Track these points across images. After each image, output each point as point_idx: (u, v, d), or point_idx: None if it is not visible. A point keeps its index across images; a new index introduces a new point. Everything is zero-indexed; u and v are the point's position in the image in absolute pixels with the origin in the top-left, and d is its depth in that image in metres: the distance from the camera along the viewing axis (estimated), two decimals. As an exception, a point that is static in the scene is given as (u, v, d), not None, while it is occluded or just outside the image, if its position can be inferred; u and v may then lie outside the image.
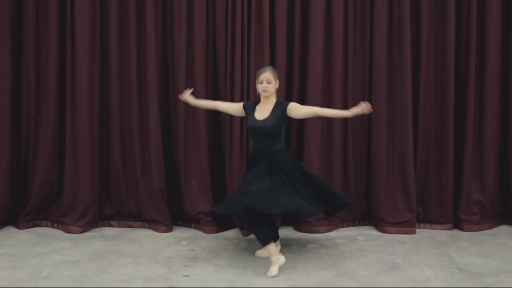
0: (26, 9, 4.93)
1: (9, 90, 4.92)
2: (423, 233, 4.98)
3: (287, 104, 4.13)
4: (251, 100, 4.84)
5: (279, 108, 4.13)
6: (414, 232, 4.96)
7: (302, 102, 4.97)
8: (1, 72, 4.88)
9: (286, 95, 5.01)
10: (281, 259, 3.95)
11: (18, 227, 5.00)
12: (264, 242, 3.94)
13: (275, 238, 4.18)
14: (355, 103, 5.03)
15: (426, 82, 5.05)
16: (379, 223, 5.05)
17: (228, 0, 4.88)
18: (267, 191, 3.92)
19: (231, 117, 4.90)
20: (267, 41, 4.88)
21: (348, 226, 5.16)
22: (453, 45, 4.95)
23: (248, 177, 4.12)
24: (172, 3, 4.97)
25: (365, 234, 4.95)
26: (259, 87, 4.15)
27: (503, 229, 5.12)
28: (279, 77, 4.28)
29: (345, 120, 5.06)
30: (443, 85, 5.01)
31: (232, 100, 4.88)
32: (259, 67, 4.75)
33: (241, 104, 4.34)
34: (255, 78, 4.24)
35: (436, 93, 5.07)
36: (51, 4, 4.90)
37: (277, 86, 4.20)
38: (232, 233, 4.93)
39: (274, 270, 3.89)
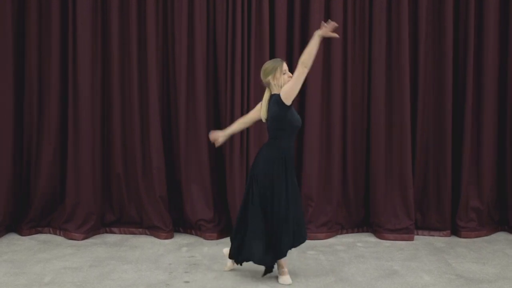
0: (28, 17, 4.98)
1: (12, 98, 4.95)
2: (421, 240, 5.01)
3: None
4: (252, 100, 4.88)
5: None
6: (412, 239, 4.99)
7: (302, 103, 5.06)
8: (4, 80, 4.91)
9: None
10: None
11: (21, 233, 5.02)
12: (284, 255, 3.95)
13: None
14: (353, 107, 5.10)
15: (424, 89, 5.10)
16: (378, 229, 5.07)
17: (228, 2, 4.93)
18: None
19: (231, 123, 4.93)
20: (267, 43, 4.92)
21: (347, 232, 5.19)
22: (450, 54, 5.00)
23: (295, 192, 3.91)
24: (173, 7, 5.00)
25: (364, 241, 4.98)
26: (285, 78, 3.81)
27: (500, 235, 5.15)
28: None
29: (344, 127, 5.10)
30: (441, 93, 5.06)
31: (232, 102, 4.93)
32: (259, 69, 4.81)
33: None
34: (272, 73, 3.81)
35: (434, 101, 5.11)
36: (53, 12, 4.95)
37: None
38: (232, 240, 4.97)
39: (289, 278, 3.93)
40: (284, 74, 3.82)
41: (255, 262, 3.89)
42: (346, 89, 5.09)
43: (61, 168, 5.08)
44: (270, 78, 3.83)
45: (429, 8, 5.03)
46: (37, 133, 5.06)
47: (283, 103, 3.75)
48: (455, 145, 5.12)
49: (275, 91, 3.85)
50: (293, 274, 4.05)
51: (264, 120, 3.93)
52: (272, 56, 4.97)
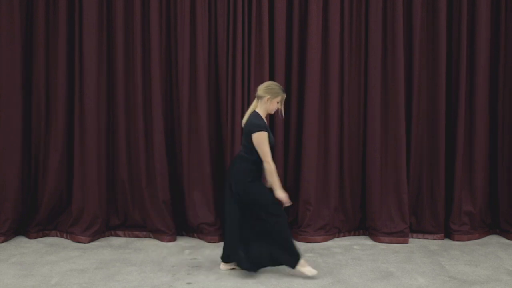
0: (35, 27, 5.07)
1: (20, 106, 5.04)
2: (416, 243, 5.09)
3: None
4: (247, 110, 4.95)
5: None
6: (407, 242, 5.07)
7: (300, 110, 5.16)
8: (13, 88, 5.00)
9: (285, 99, 5.15)
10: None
11: (29, 236, 5.11)
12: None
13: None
14: (350, 114, 5.20)
15: (419, 97, 5.18)
16: (374, 233, 5.16)
17: (229, 9, 5.03)
18: None
19: (232, 132, 5.02)
20: (266, 53, 5.01)
21: (344, 236, 5.27)
22: (444, 62, 5.09)
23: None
24: (175, 17, 5.10)
25: (360, 244, 5.06)
26: (274, 107, 4.04)
27: (492, 238, 5.24)
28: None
29: (340, 133, 5.20)
30: (435, 100, 5.15)
31: (233, 110, 5.01)
32: (259, 77, 4.88)
33: (266, 134, 3.96)
34: (273, 96, 4.02)
35: (428, 107, 5.20)
36: (60, 25, 5.05)
37: None
38: (233, 243, 5.05)
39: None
40: (278, 103, 4.03)
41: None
42: (342, 96, 5.18)
43: (67, 174, 5.16)
44: (267, 97, 4.00)
45: (423, 20, 5.12)
46: (45, 140, 5.14)
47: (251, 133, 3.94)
48: (448, 152, 5.20)
49: (260, 108, 4.03)
50: (291, 276, 4.13)
51: (242, 126, 4.09)
52: (271, 62, 5.06)
